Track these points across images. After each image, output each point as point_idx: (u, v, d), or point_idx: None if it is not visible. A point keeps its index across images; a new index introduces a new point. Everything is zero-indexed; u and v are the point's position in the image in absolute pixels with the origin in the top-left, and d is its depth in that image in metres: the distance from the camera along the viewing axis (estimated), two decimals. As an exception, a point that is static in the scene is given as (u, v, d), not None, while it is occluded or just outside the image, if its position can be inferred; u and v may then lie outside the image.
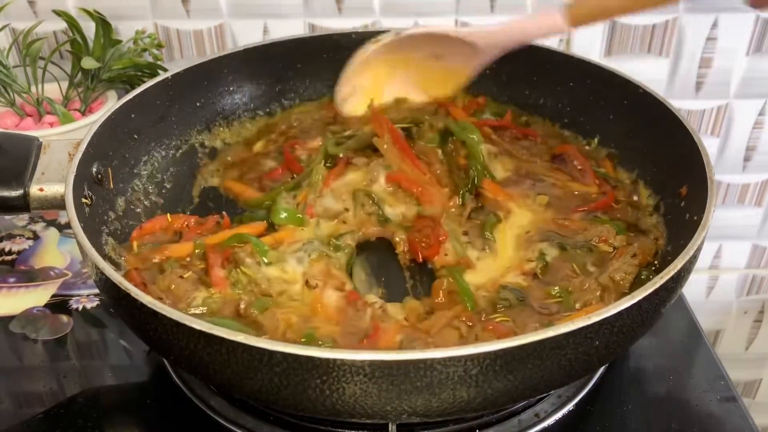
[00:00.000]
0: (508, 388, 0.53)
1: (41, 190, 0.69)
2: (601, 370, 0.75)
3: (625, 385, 0.75)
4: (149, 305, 0.54)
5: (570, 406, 0.71)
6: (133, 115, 0.80)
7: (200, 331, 0.52)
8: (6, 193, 0.68)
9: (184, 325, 0.52)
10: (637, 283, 0.69)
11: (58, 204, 0.68)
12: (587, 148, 0.89)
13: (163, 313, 0.53)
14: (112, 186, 0.76)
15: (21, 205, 0.69)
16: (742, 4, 0.75)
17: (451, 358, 0.50)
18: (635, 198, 0.81)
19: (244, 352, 0.51)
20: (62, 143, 0.72)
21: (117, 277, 0.57)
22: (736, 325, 1.36)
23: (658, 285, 0.56)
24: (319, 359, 0.50)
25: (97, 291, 0.88)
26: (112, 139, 0.77)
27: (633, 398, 0.73)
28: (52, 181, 0.69)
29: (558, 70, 0.93)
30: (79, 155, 0.69)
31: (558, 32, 0.83)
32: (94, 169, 0.73)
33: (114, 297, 0.58)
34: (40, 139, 0.73)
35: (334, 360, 0.50)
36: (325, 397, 0.52)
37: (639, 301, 0.55)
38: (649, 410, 0.72)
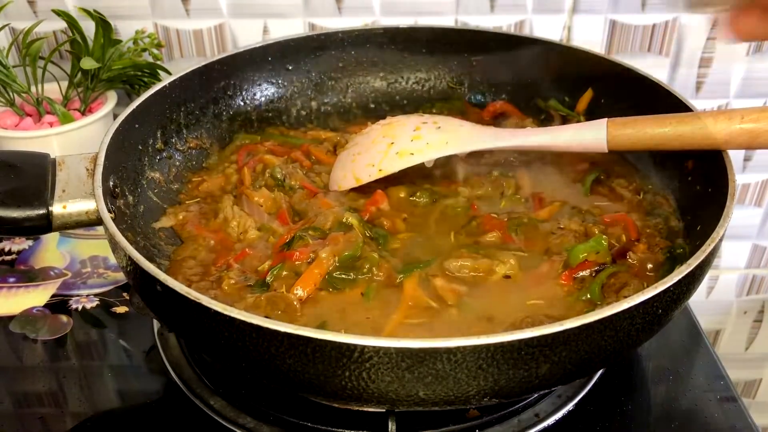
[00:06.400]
0: (531, 375, 0.54)
1: (64, 207, 0.67)
2: (601, 369, 0.75)
3: (625, 385, 0.75)
4: (226, 313, 0.53)
5: (570, 406, 0.71)
6: (137, 125, 0.80)
7: (286, 333, 0.51)
8: (29, 213, 0.66)
9: (267, 329, 0.52)
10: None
11: (83, 221, 0.67)
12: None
13: (243, 319, 0.52)
14: (130, 198, 0.75)
15: (43, 225, 0.67)
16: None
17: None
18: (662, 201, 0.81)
19: (332, 350, 0.51)
20: (77, 158, 0.71)
21: (183, 288, 0.55)
22: (736, 325, 1.36)
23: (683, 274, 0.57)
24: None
25: (96, 291, 0.88)
26: (121, 151, 0.76)
27: (633, 398, 0.73)
28: (75, 197, 0.67)
29: (558, 63, 0.93)
30: (100, 169, 0.68)
31: (596, 150, 0.76)
32: (111, 183, 0.71)
33: (182, 308, 0.57)
34: (52, 155, 0.71)
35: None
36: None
37: (636, 304, 0.55)
38: (649, 410, 0.72)
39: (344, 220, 0.75)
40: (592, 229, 0.74)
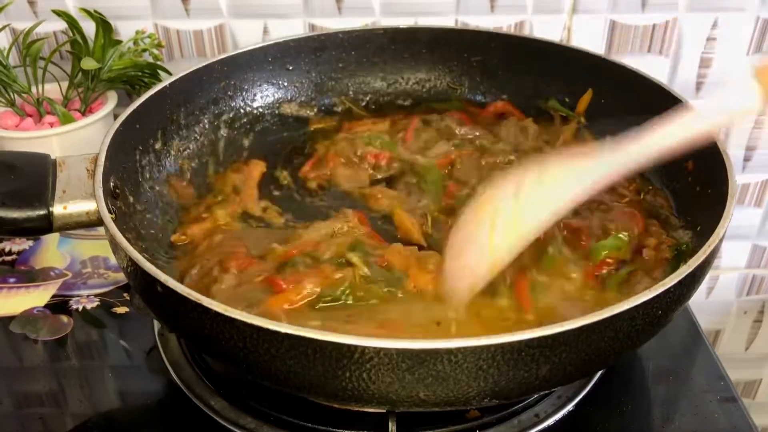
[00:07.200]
0: (531, 377, 0.54)
1: (65, 208, 0.67)
2: (601, 370, 0.75)
3: (625, 385, 0.75)
4: (224, 312, 0.53)
5: (570, 407, 0.71)
6: (137, 126, 0.79)
7: (286, 334, 0.51)
8: (29, 214, 0.66)
9: (268, 330, 0.52)
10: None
11: (83, 222, 0.67)
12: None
13: (244, 319, 0.52)
14: (130, 198, 0.75)
15: (44, 226, 0.66)
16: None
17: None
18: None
19: (333, 351, 0.51)
20: (77, 159, 0.71)
21: (184, 289, 0.55)
22: (736, 325, 1.36)
23: (687, 272, 0.57)
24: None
25: (97, 291, 0.88)
26: (121, 152, 0.76)
27: (633, 398, 0.73)
28: (76, 198, 0.67)
29: (558, 63, 0.94)
30: (100, 169, 0.68)
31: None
32: (112, 184, 0.71)
33: (182, 309, 0.56)
34: (52, 156, 0.71)
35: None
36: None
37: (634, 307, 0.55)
38: (649, 410, 0.72)
39: (344, 259, 0.69)
40: (608, 227, 0.74)
